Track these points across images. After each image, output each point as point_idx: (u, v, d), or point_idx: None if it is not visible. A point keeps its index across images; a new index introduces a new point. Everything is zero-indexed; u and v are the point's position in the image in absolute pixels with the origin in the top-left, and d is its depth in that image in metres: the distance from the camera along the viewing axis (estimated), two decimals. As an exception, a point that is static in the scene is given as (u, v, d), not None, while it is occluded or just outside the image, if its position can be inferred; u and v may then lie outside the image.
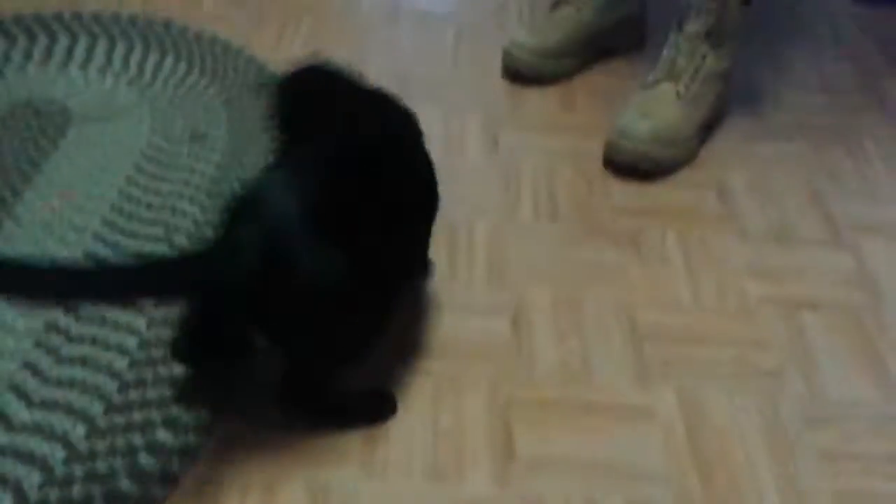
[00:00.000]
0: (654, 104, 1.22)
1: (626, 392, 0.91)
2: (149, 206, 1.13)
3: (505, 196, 1.17)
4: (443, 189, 0.90)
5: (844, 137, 1.33)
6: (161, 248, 1.07)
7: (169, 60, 1.40)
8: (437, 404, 0.89)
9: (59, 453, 0.84)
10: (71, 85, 1.33)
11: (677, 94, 1.22)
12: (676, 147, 1.22)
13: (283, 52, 1.43)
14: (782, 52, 1.52)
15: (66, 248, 1.06)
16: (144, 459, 0.83)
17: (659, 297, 1.03)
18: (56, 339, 0.95)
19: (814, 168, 1.26)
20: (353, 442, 0.85)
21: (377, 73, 1.40)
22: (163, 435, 0.85)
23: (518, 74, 1.39)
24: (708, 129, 1.30)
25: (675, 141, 1.21)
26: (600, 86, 1.40)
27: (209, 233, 1.09)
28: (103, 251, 1.06)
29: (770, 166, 1.26)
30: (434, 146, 1.26)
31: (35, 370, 0.91)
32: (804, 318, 1.01)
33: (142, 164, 1.19)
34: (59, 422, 0.86)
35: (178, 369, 0.90)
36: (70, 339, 0.95)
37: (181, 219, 1.11)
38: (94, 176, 1.17)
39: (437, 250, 1.07)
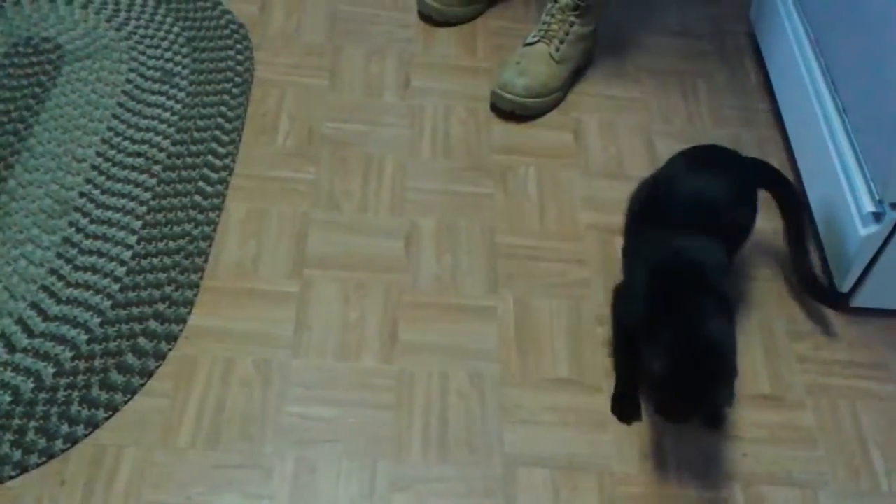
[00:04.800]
0: (531, 63, 1.55)
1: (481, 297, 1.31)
2: (132, 140, 1.46)
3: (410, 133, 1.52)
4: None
5: (683, 82, 1.68)
6: (143, 177, 1.41)
7: (140, -2, 1.69)
8: (347, 304, 1.28)
9: (82, 336, 1.22)
10: (61, 22, 1.62)
11: (550, 55, 1.55)
12: (547, 97, 1.56)
13: None
14: (654, -4, 1.83)
15: (71, 175, 1.40)
16: (143, 341, 1.22)
17: (515, 224, 1.41)
18: (72, 251, 1.31)
19: (653, 110, 1.62)
20: (287, 331, 1.24)
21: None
22: (154, 324, 1.24)
23: (429, 19, 1.70)
24: (576, 74, 1.63)
25: (546, 93, 1.56)
26: (499, 29, 1.72)
27: (180, 164, 1.43)
28: (99, 179, 1.41)
29: (620, 109, 1.62)
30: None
31: (59, 275, 1.28)
32: (616, 241, 1.40)
33: (123, 101, 1.52)
34: (81, 314, 1.24)
35: (163, 275, 1.28)
36: (81, 251, 1.31)
37: (157, 152, 1.45)
38: (87, 112, 1.49)
39: (355, 179, 1.43)
